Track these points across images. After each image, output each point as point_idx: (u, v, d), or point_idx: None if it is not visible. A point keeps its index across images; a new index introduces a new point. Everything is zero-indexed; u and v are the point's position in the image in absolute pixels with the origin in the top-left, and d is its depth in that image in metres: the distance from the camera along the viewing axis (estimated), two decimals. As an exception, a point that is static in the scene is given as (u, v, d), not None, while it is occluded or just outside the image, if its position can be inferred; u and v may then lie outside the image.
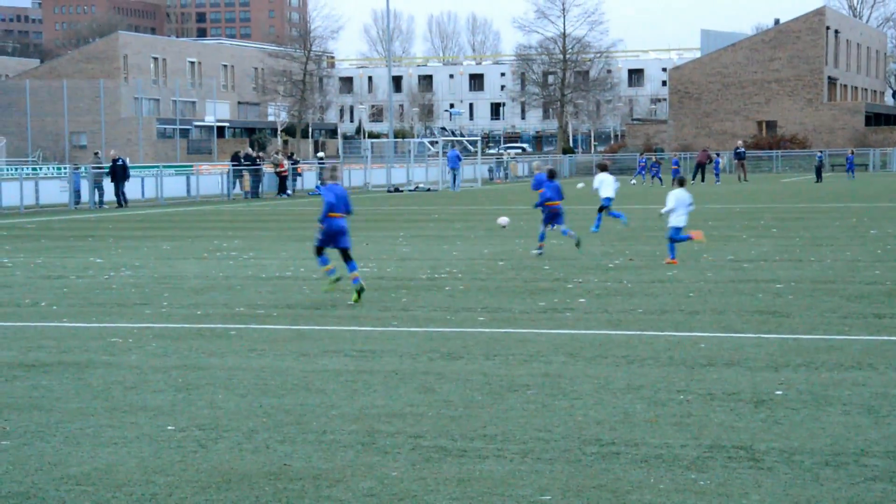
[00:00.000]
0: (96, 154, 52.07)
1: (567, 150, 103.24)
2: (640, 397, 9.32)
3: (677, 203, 19.64)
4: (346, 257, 15.61)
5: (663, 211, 19.96)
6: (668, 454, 7.57)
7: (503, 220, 24.54)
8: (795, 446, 7.71)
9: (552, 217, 21.88)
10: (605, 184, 26.89)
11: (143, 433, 8.36)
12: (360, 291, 15.25)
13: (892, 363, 10.51)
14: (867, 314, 13.60)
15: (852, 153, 64.14)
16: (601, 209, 26.86)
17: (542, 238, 21.79)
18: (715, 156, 64.40)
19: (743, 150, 64.72)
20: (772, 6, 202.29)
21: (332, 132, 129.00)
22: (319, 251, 15.89)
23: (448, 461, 7.50)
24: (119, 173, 44.63)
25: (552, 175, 22.43)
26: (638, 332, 12.62)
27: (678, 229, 19.74)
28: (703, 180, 61.05)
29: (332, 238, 15.54)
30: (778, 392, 9.40)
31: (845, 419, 8.44)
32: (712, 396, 9.30)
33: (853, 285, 16.32)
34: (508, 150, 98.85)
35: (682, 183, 20.67)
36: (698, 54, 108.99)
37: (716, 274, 18.14)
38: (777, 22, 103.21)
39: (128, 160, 46.66)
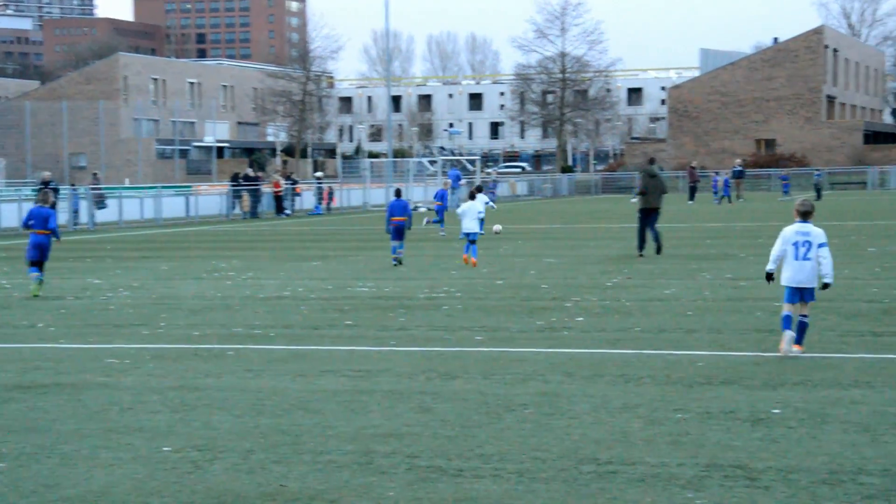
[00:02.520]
0: (95, 175, 52.02)
1: (566, 169, 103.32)
2: (637, 416, 9.31)
3: (468, 210, 23.89)
4: (41, 267, 19.49)
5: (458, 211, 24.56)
6: (665, 473, 7.56)
7: (497, 227, 27.31)
8: (793, 465, 7.69)
9: (396, 233, 23.97)
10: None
11: (138, 455, 8.34)
12: (40, 283, 19.29)
13: (889, 381, 10.50)
14: (864, 332, 13.60)
15: (787, 174, 63.18)
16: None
17: (394, 251, 23.95)
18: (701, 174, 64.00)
19: (741, 168, 64.68)
20: (770, 25, 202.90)
21: (332, 152, 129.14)
22: (31, 264, 19.45)
23: (444, 481, 7.49)
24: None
25: (398, 194, 25.32)
26: (635, 351, 12.61)
27: (471, 233, 23.44)
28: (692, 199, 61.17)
29: (34, 249, 19.44)
30: (775, 410, 9.38)
31: (842, 437, 8.42)
32: (709, 415, 9.28)
33: (851, 303, 16.30)
34: (493, 170, 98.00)
35: (472, 196, 25.14)
36: (697, 73, 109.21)
37: (714, 292, 18.13)
38: (776, 41, 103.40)
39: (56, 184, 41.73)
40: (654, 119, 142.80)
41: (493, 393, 10.37)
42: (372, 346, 13.29)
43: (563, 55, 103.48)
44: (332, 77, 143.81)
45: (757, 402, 9.74)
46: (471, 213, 23.72)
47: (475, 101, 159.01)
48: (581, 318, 15.37)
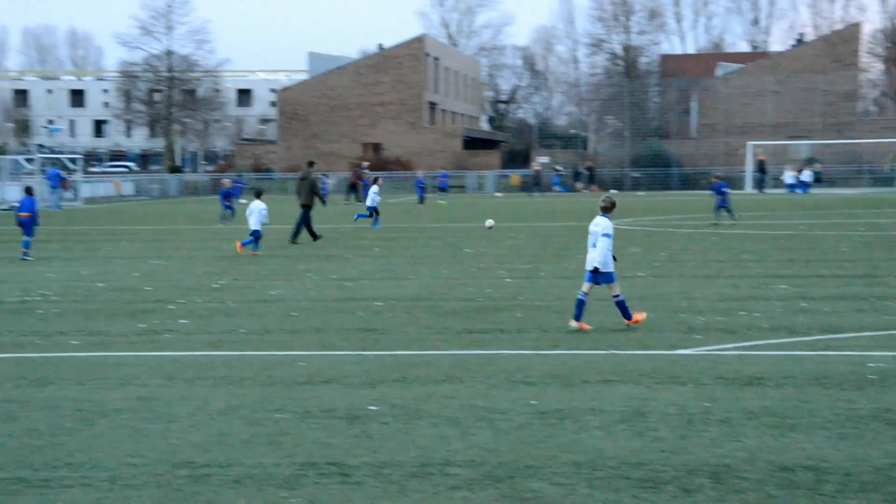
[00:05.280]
0: None
1: (174, 170, 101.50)
2: (238, 418, 9.26)
3: (252, 210, 26.55)
4: None
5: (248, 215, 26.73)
6: (261, 473, 7.55)
7: (489, 222, 27.19)
8: (385, 460, 7.90)
9: (21, 226, 25.41)
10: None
11: None
12: None
13: (478, 376, 11.01)
14: (459, 329, 14.19)
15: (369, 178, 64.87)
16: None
17: (25, 245, 25.25)
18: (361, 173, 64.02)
19: (367, 170, 66.00)
20: (376, 32, 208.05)
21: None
22: None
23: (27, 493, 7.12)
24: None
25: (28, 191, 26.23)
26: (239, 353, 12.55)
27: (255, 231, 26.28)
28: (358, 200, 61.88)
29: None
30: (372, 407, 9.61)
31: (433, 431, 8.74)
32: (308, 414, 9.37)
33: (448, 302, 16.99)
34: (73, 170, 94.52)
35: (259, 195, 27.61)
36: (306, 76, 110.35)
37: (319, 293, 18.37)
38: (381, 47, 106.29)
39: None
40: (264, 121, 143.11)
41: (87, 399, 9.99)
42: (-44, 354, 12.46)
43: (169, 53, 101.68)
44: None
45: (355, 399, 9.94)
46: (255, 210, 26.43)
47: (77, 97, 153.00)
48: (185, 321, 15.12)
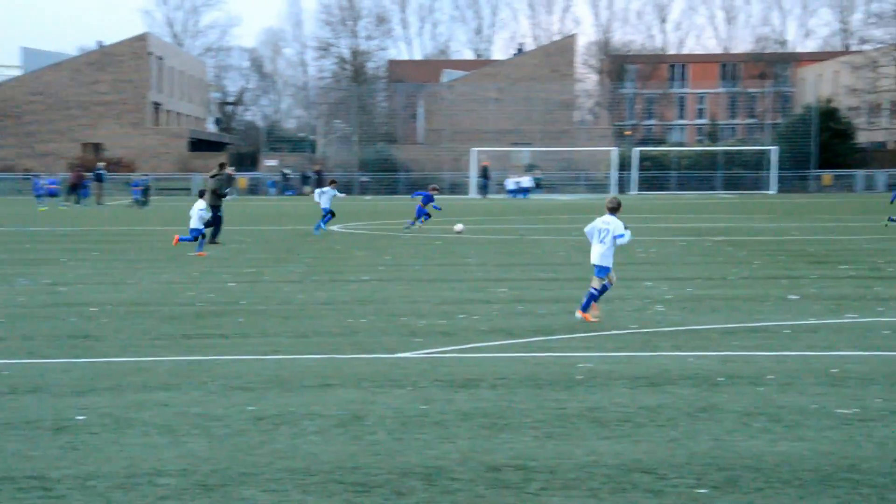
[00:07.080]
0: None
1: None
2: (-69, 432, 8.69)
3: (193, 209, 26.18)
4: None
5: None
6: (-46, 492, 7.11)
7: (459, 226, 27.17)
8: (91, 471, 7.59)
9: None
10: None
11: None
12: None
13: (194, 382, 10.76)
14: (177, 335, 13.86)
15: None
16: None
17: None
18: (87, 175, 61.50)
19: (103, 172, 63.86)
20: (96, 29, 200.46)
21: None
22: None
23: None
24: None
25: None
26: (-63, 363, 11.81)
27: (197, 230, 25.93)
28: (77, 202, 59.70)
29: None
30: (80, 417, 9.22)
31: (144, 440, 8.47)
32: (9, 426, 8.91)
33: (167, 307, 16.57)
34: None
35: (202, 195, 27.36)
36: (20, 72, 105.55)
37: (29, 298, 17.57)
38: (100, 44, 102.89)
39: None
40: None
41: None
42: None
43: None
44: None
45: (62, 409, 9.52)
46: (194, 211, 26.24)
47: None
48: None
